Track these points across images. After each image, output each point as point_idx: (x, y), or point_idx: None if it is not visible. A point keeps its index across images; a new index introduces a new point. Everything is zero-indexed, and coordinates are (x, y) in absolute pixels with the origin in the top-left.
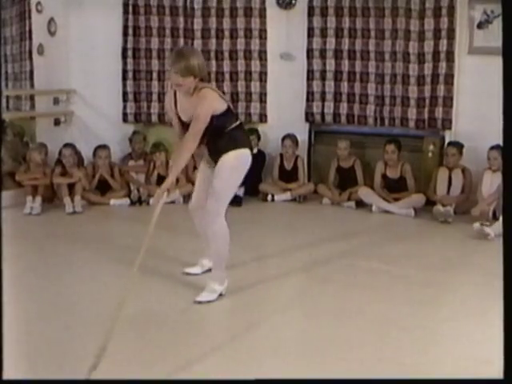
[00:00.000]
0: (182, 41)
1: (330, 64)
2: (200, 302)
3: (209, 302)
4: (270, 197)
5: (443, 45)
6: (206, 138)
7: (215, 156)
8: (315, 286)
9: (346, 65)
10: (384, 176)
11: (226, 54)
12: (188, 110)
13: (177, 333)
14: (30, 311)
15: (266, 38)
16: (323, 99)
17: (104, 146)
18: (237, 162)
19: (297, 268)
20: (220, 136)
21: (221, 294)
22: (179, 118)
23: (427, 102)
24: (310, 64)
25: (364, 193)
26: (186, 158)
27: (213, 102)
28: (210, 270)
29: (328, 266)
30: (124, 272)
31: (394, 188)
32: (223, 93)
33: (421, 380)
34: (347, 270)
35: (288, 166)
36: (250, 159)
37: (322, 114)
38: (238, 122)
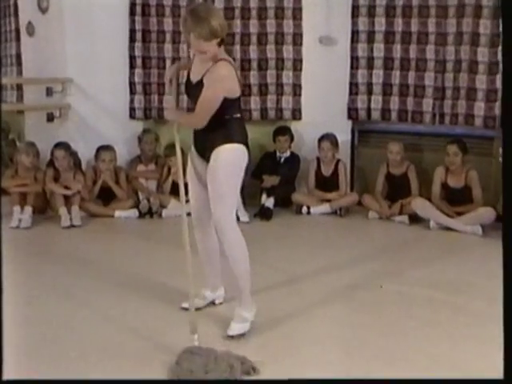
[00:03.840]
0: None
1: (379, 49)
2: (232, 337)
3: (242, 334)
4: (304, 209)
5: None
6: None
7: (205, 149)
8: (358, 318)
9: (398, 50)
10: (444, 185)
11: (254, 38)
12: (198, 70)
13: None
14: (15, 344)
15: (301, 19)
16: (370, 92)
17: (108, 148)
18: (232, 156)
19: (336, 295)
20: (215, 125)
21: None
22: (188, 75)
23: (499, 94)
24: (354, 49)
25: (419, 205)
26: (190, 122)
27: (228, 83)
28: (212, 304)
29: (375, 293)
30: (127, 300)
31: (457, 200)
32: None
33: (421, 380)
34: (398, 298)
35: (327, 172)
36: (246, 156)
37: (368, 110)
38: (239, 115)
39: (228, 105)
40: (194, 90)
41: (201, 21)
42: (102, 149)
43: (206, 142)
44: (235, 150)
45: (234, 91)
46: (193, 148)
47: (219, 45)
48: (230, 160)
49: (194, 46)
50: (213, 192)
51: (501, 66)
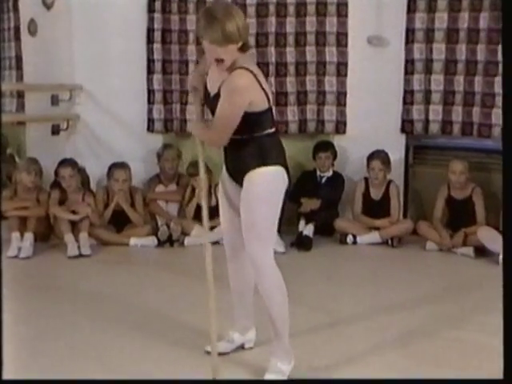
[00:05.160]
0: None
1: (440, 50)
2: None
3: None
4: (349, 238)
5: None
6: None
7: (236, 172)
8: (416, 370)
9: (463, 51)
10: None
11: (291, 38)
12: (215, 81)
13: None
14: None
15: (346, 16)
16: (428, 101)
17: (122, 165)
18: (267, 182)
19: (388, 341)
20: (245, 143)
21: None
22: (206, 87)
23: None
24: (409, 51)
25: (486, 235)
26: (204, 138)
27: (247, 95)
28: (241, 348)
29: (434, 340)
30: (144, 342)
31: None
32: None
33: (422, 380)
34: (462, 347)
35: (376, 195)
36: (285, 180)
37: (426, 122)
38: (272, 129)
39: (255, 119)
40: (211, 103)
41: (214, 22)
42: (115, 166)
43: (237, 163)
44: (271, 175)
45: (259, 104)
46: (224, 169)
47: (242, 50)
48: (265, 187)
49: (207, 52)
50: (246, 223)
51: None
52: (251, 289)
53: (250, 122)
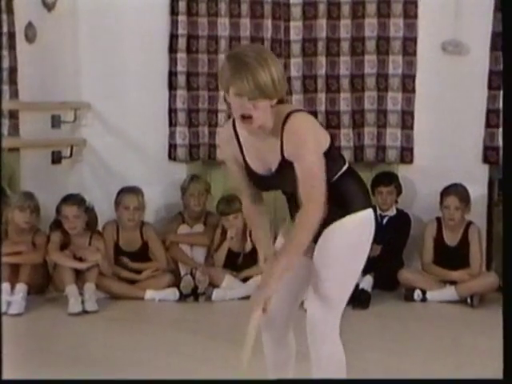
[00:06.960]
0: (269, 23)
1: None
2: None
3: None
4: (417, 294)
5: None
6: (289, 197)
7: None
8: None
9: None
10: None
11: (345, 45)
12: (264, 154)
13: None
14: None
15: (415, 17)
16: None
17: (133, 190)
18: (357, 235)
19: None
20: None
21: None
22: (248, 168)
23: None
24: (495, 60)
25: None
26: (308, 235)
27: (317, 135)
28: None
29: None
30: None
31: None
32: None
33: (421, 380)
34: None
35: (451, 240)
36: (373, 225)
37: None
38: (346, 166)
39: (329, 160)
40: (275, 179)
41: (245, 70)
42: (124, 191)
43: None
44: (361, 222)
45: (326, 139)
46: (288, 224)
47: (279, 102)
48: (354, 242)
49: (233, 106)
50: (320, 287)
51: None
52: (291, 367)
53: (326, 164)
